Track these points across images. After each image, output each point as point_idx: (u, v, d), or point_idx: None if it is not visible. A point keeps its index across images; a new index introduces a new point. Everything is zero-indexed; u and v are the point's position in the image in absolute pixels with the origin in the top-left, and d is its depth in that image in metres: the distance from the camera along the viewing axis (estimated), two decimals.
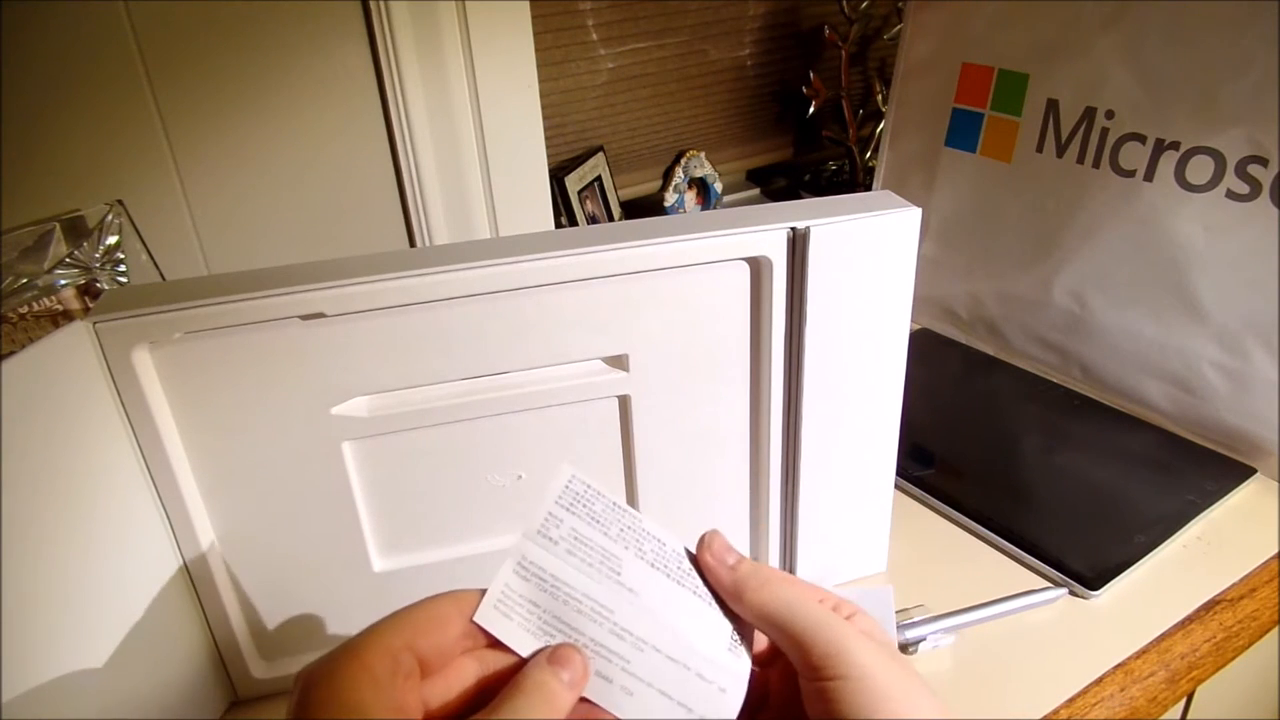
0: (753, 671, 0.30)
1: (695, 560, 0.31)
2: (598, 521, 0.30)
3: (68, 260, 0.58)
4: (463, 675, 0.28)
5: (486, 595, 0.28)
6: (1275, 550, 0.54)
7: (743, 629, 0.30)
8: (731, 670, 0.29)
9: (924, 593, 0.51)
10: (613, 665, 0.28)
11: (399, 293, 0.38)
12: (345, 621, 0.47)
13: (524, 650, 0.28)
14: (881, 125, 0.97)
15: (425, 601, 0.28)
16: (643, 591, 0.29)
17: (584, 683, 0.28)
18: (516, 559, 0.29)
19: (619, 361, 0.43)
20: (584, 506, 0.30)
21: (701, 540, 0.31)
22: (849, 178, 1.16)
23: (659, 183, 1.09)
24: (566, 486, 0.30)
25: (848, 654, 0.27)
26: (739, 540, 0.50)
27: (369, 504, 0.44)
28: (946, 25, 0.74)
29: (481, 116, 0.78)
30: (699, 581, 0.30)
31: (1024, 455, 0.63)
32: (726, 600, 0.30)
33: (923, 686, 0.28)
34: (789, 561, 0.51)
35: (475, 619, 0.28)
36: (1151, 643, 0.48)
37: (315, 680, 0.26)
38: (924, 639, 0.47)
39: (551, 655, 0.27)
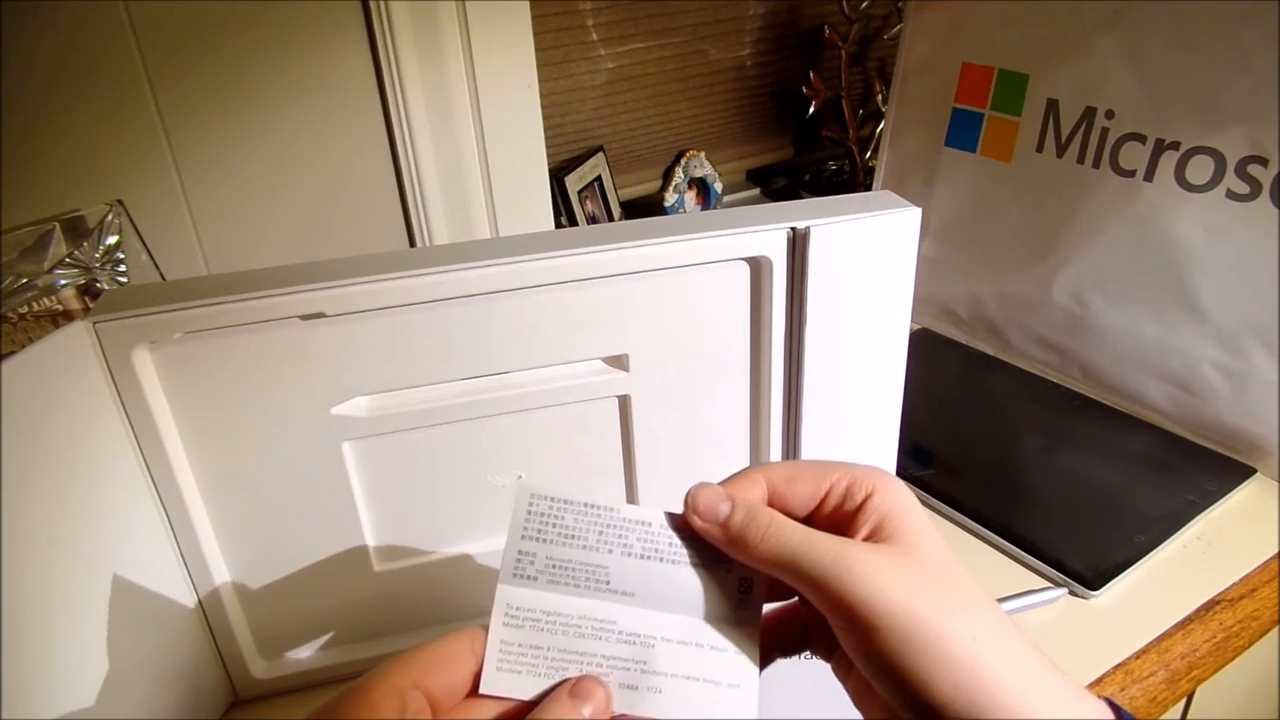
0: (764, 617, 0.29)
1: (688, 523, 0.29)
2: (572, 537, 0.29)
3: (68, 260, 0.58)
4: (478, 713, 0.27)
5: (486, 660, 0.27)
6: (1275, 550, 0.54)
7: (754, 570, 0.29)
8: (742, 625, 0.29)
9: None
10: (632, 672, 0.28)
11: (399, 293, 0.38)
12: (345, 622, 0.47)
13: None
14: (881, 125, 0.97)
15: (435, 640, 0.27)
16: (638, 590, 0.29)
17: (608, 712, 0.27)
18: (502, 610, 0.28)
19: (619, 361, 0.43)
20: (553, 526, 0.29)
21: (686, 503, 0.29)
22: (849, 178, 1.16)
23: (659, 183, 1.09)
24: (530, 512, 0.29)
25: (868, 601, 0.25)
26: None
27: (369, 504, 0.44)
28: (946, 25, 0.74)
29: (481, 116, 0.78)
30: (695, 549, 0.29)
31: (1024, 455, 0.63)
32: (730, 555, 0.29)
33: (961, 602, 0.25)
34: None
35: (482, 690, 0.27)
36: (1151, 643, 0.48)
37: None
38: None
39: (573, 689, 0.26)
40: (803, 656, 0.31)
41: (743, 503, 0.28)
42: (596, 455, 0.46)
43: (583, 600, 0.29)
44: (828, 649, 0.31)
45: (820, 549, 0.26)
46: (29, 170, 0.63)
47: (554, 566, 0.29)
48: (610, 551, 0.29)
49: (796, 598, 0.30)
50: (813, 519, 0.29)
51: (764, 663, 0.30)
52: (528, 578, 0.28)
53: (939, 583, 0.26)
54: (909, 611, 0.25)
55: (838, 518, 0.29)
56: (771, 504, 0.29)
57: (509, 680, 0.27)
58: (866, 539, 0.27)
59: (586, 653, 0.28)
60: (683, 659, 0.28)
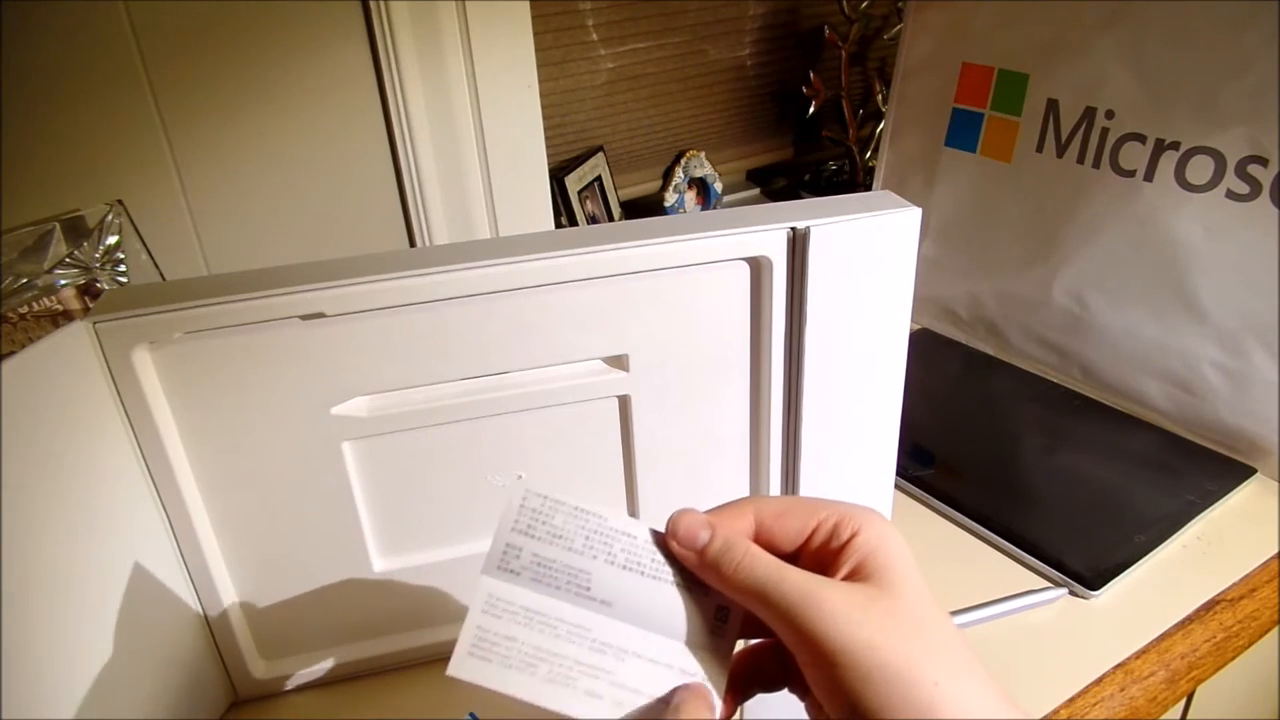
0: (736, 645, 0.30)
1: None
2: (560, 537, 0.29)
3: (68, 260, 0.58)
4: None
5: (459, 644, 0.27)
6: (1275, 550, 0.54)
7: (731, 600, 0.30)
8: (715, 652, 0.29)
9: None
10: (600, 681, 0.28)
11: (399, 293, 0.38)
12: (345, 622, 0.47)
13: (512, 689, 0.27)
14: (881, 125, 0.97)
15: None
16: (616, 600, 0.29)
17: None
18: (483, 599, 0.28)
19: (619, 361, 0.43)
20: (543, 524, 0.29)
21: (667, 525, 0.30)
22: (849, 178, 1.16)
23: (659, 183, 1.09)
24: (522, 506, 0.29)
25: (831, 637, 0.25)
26: None
27: (369, 504, 0.44)
28: (946, 25, 0.74)
29: (481, 116, 0.78)
30: (674, 569, 0.30)
31: (1024, 455, 0.63)
32: (705, 581, 0.29)
33: (931, 647, 0.25)
34: None
35: (450, 673, 0.27)
36: (1151, 643, 0.48)
37: None
38: None
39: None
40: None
41: (722, 532, 0.29)
42: (596, 455, 0.46)
43: (561, 603, 0.29)
44: (804, 689, 0.31)
45: (790, 583, 0.27)
46: (29, 170, 0.63)
47: (538, 564, 0.29)
48: (595, 558, 0.29)
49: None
50: (799, 554, 0.29)
51: (744, 695, 0.30)
52: (511, 572, 0.29)
53: (910, 625, 0.26)
54: (873, 650, 0.25)
55: (822, 555, 0.29)
56: (759, 537, 0.29)
57: (478, 668, 0.27)
58: (846, 577, 0.28)
59: (558, 653, 0.28)
60: (651, 677, 0.28)
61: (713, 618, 0.30)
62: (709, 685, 0.29)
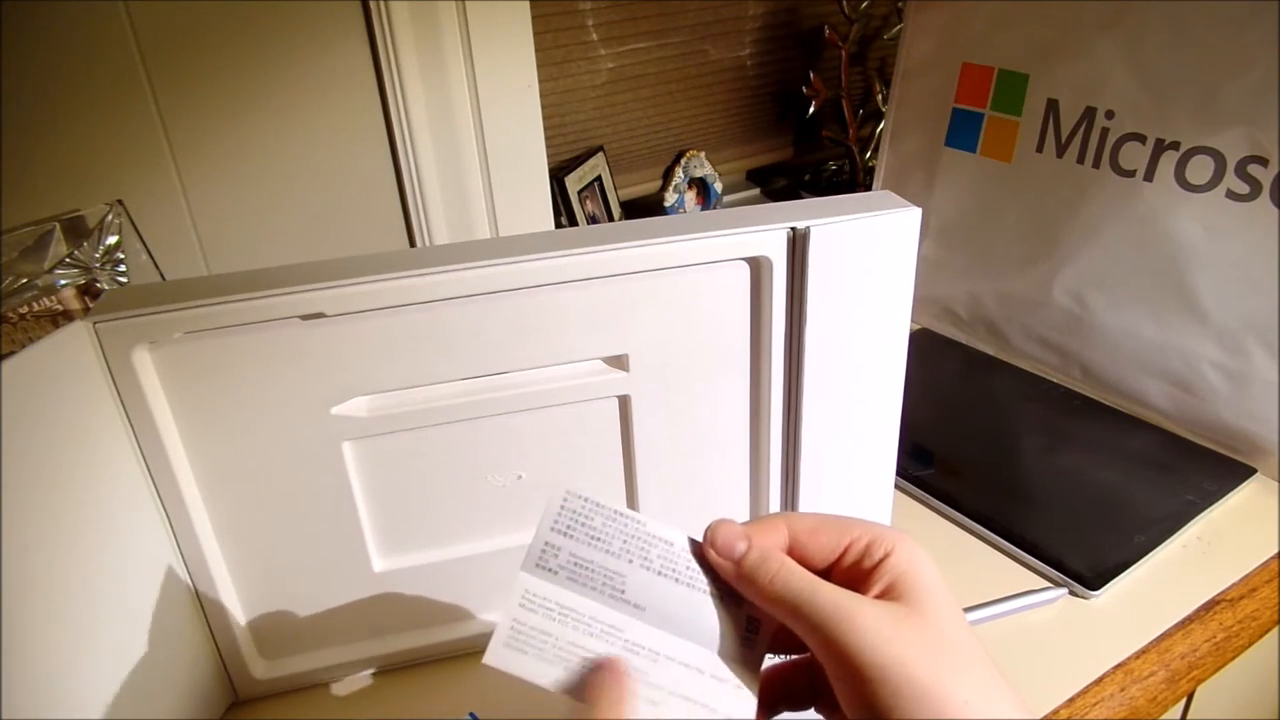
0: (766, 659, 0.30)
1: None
2: (598, 539, 0.30)
3: (68, 260, 0.58)
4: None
5: (495, 635, 0.28)
6: (1275, 550, 0.54)
7: (762, 613, 0.30)
8: (744, 664, 0.30)
9: None
10: (630, 678, 0.29)
11: (399, 293, 0.38)
12: (345, 621, 0.47)
13: (545, 680, 0.28)
14: (881, 125, 0.97)
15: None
16: (649, 604, 0.30)
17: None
18: (520, 594, 0.29)
19: (619, 361, 0.43)
20: (582, 526, 0.30)
21: (705, 535, 0.30)
22: (849, 178, 1.16)
23: (659, 183, 1.09)
24: (563, 507, 0.30)
25: (863, 652, 0.26)
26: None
27: (369, 504, 0.44)
28: (946, 25, 0.74)
29: (481, 116, 0.78)
30: (709, 578, 0.30)
31: (1024, 455, 0.63)
32: (739, 591, 0.30)
33: (960, 666, 0.26)
34: None
35: (486, 661, 0.28)
36: (1151, 643, 0.48)
37: None
38: None
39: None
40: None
41: (759, 544, 0.29)
42: (596, 455, 0.46)
43: (596, 603, 0.29)
44: (831, 708, 0.31)
45: (823, 597, 0.27)
46: (29, 170, 0.63)
47: (576, 564, 0.30)
48: (630, 561, 0.30)
49: (808, 653, 0.31)
50: (830, 571, 0.30)
51: (771, 712, 0.31)
52: (549, 570, 0.30)
53: (940, 644, 0.26)
54: (904, 667, 0.25)
55: (854, 573, 0.29)
56: (792, 552, 0.30)
57: (514, 658, 0.28)
58: (878, 596, 0.28)
59: (592, 650, 0.29)
60: (682, 680, 0.29)
61: (744, 629, 0.30)
62: (740, 693, 0.29)
